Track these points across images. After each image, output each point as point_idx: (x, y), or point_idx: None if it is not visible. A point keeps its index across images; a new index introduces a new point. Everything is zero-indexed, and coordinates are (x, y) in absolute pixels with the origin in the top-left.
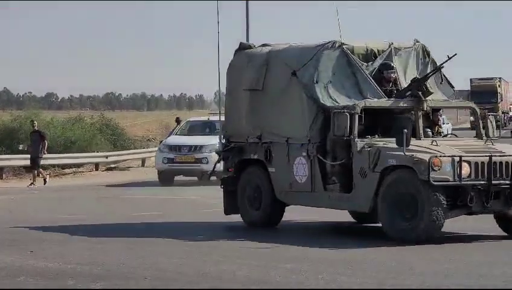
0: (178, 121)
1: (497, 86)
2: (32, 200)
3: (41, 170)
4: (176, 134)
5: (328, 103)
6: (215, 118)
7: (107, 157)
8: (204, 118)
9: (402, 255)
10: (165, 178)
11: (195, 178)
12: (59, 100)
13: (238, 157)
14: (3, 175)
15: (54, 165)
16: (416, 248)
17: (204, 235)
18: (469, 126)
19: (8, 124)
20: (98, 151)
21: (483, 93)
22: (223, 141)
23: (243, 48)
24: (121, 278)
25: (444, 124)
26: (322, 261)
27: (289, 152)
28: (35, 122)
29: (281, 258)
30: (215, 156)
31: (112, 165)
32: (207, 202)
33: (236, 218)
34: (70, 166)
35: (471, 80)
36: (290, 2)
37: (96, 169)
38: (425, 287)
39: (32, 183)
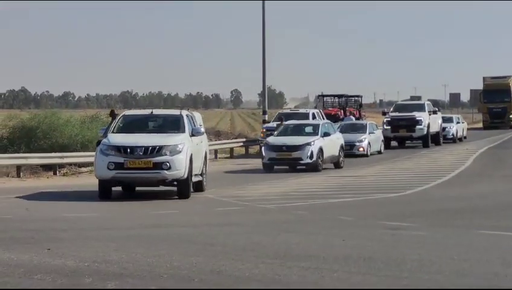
0: (113, 115)
1: (511, 84)
2: (49, 198)
3: None
4: (113, 132)
5: None
6: (161, 112)
7: None
8: (146, 112)
9: (417, 253)
10: (107, 189)
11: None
12: (76, 99)
13: None
14: (21, 173)
15: (70, 164)
16: (435, 247)
17: (219, 233)
18: (481, 126)
19: (27, 123)
20: None
21: (496, 92)
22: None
23: None
24: (136, 276)
25: (459, 123)
26: (338, 259)
27: None
28: None
29: (297, 257)
30: (178, 160)
31: None
32: (222, 201)
33: (252, 216)
34: (87, 164)
35: (484, 78)
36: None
37: None
38: (440, 288)
39: None
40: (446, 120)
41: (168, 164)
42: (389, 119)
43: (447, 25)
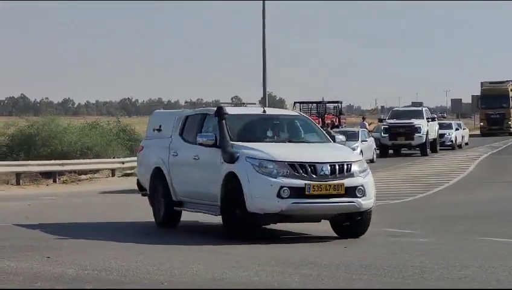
0: (222, 114)
1: (509, 90)
2: (49, 206)
3: None
4: (232, 139)
5: None
6: (275, 111)
7: (123, 163)
8: (255, 111)
9: (419, 260)
10: (251, 227)
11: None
12: (75, 106)
13: None
14: (20, 181)
15: (70, 171)
16: (436, 253)
17: (220, 240)
18: (479, 132)
19: (25, 131)
20: (114, 157)
21: (495, 98)
22: None
23: None
24: (137, 283)
25: (458, 129)
26: (338, 265)
27: None
28: None
29: (297, 264)
30: (371, 184)
31: (128, 171)
32: None
33: None
34: (86, 172)
35: (481, 83)
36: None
37: (113, 175)
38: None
39: None
40: (445, 126)
41: (362, 188)
42: (387, 126)
43: (448, 29)
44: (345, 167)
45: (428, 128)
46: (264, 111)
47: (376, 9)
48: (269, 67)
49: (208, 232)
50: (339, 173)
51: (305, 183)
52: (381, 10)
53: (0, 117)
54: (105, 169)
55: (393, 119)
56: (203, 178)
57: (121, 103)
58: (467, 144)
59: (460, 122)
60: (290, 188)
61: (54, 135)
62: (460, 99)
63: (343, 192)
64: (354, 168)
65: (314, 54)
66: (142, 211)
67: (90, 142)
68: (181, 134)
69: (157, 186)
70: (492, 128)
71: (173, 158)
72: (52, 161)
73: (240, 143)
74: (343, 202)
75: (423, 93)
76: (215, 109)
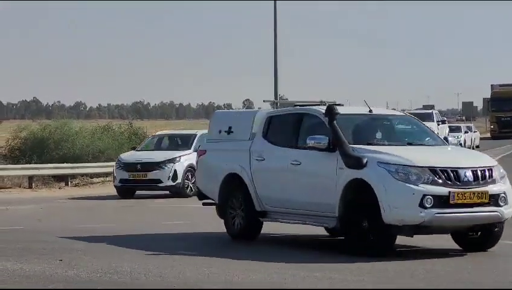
0: (333, 113)
1: None
2: (61, 209)
3: None
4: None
5: None
6: (383, 111)
7: None
8: (361, 110)
9: (432, 263)
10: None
11: None
12: (87, 109)
13: None
14: (33, 184)
15: (82, 174)
16: (449, 256)
17: (232, 244)
18: (489, 135)
19: (38, 134)
20: None
21: (505, 101)
22: None
23: None
24: (149, 287)
25: (468, 132)
26: (351, 269)
27: None
28: None
29: (310, 267)
30: (510, 189)
31: None
32: None
33: (264, 228)
34: (98, 175)
35: (492, 86)
36: None
37: None
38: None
39: None
40: (454, 129)
41: (504, 196)
42: None
43: (460, 32)
44: (487, 172)
45: (439, 131)
46: (371, 110)
47: (387, 10)
48: (281, 71)
49: (220, 235)
50: (481, 180)
51: (449, 191)
52: (392, 11)
53: (13, 120)
54: None
55: None
56: (310, 186)
57: (133, 106)
58: (478, 146)
59: (471, 125)
60: (434, 196)
61: (66, 138)
62: (472, 102)
63: (486, 200)
64: (495, 173)
65: (326, 55)
66: (153, 215)
67: (102, 145)
68: (265, 136)
69: (232, 195)
70: (503, 131)
71: (258, 163)
72: (64, 164)
73: (362, 146)
74: (486, 212)
75: (435, 96)
76: (325, 108)
